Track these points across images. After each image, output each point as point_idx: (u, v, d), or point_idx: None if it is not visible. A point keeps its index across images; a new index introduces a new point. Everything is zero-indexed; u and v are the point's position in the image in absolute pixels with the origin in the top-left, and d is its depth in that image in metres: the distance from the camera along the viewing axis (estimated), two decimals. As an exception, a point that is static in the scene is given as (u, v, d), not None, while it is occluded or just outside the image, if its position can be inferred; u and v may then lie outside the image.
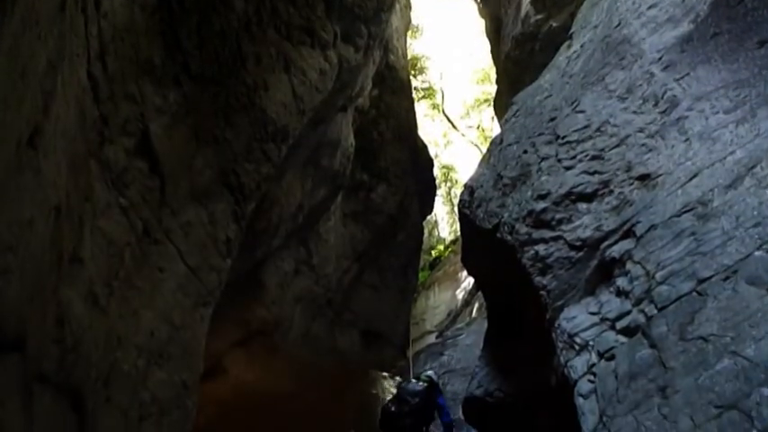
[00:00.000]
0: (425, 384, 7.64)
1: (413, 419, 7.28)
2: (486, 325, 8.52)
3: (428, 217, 21.08)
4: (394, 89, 16.53)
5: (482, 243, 6.92)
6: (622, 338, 4.45)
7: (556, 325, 5.11)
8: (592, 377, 4.48)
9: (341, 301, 15.00)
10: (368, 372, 12.90)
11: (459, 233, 13.57)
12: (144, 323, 3.55)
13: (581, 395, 4.47)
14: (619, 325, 4.55)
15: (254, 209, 6.04)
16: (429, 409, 7.48)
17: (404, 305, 17.56)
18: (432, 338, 17.98)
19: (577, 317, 4.96)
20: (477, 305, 17.74)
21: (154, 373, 3.63)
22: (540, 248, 5.46)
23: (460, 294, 20.28)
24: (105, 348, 3.05)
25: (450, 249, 24.81)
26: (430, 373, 8.31)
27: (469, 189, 7.22)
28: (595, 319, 4.80)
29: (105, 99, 3.41)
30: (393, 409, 7.44)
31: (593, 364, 4.53)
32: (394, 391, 11.55)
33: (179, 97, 4.31)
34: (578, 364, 4.67)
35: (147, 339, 3.58)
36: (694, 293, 4.10)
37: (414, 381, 7.88)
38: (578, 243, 5.22)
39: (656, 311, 4.26)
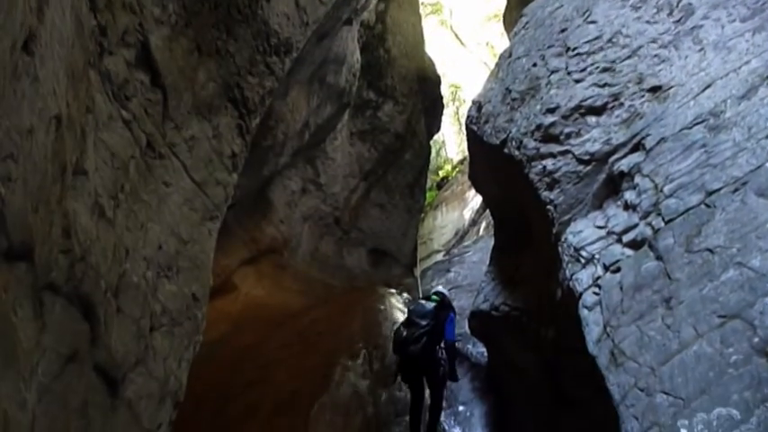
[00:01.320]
0: (435, 303, 7.59)
1: (425, 342, 7.21)
2: (492, 242, 8.58)
3: (435, 136, 20.88)
4: (400, 3, 16.06)
5: (489, 159, 6.87)
6: (628, 251, 4.47)
7: (562, 239, 5.13)
8: (597, 289, 4.53)
9: (348, 220, 15.10)
10: (375, 288, 13.12)
11: (466, 152, 13.48)
12: (151, 236, 3.56)
13: (586, 307, 4.53)
14: (625, 238, 4.57)
15: (260, 125, 5.98)
16: (441, 328, 7.41)
17: (411, 224, 17.66)
18: (439, 257, 18.15)
19: (584, 231, 4.97)
20: (484, 224, 17.80)
21: (163, 285, 3.68)
22: (548, 163, 5.42)
23: (468, 214, 20.31)
24: (114, 260, 3.07)
25: (457, 169, 24.71)
26: (440, 289, 8.27)
27: (477, 104, 7.11)
28: (602, 232, 4.81)
29: (102, 8, 3.30)
30: (405, 333, 7.39)
31: (599, 277, 4.57)
32: (401, 306, 11.78)
33: (178, 8, 4.17)
34: (584, 276, 4.71)
35: (155, 252, 3.60)
36: (702, 206, 4.09)
37: (423, 301, 7.83)
38: (586, 157, 5.17)
39: (663, 224, 4.25)
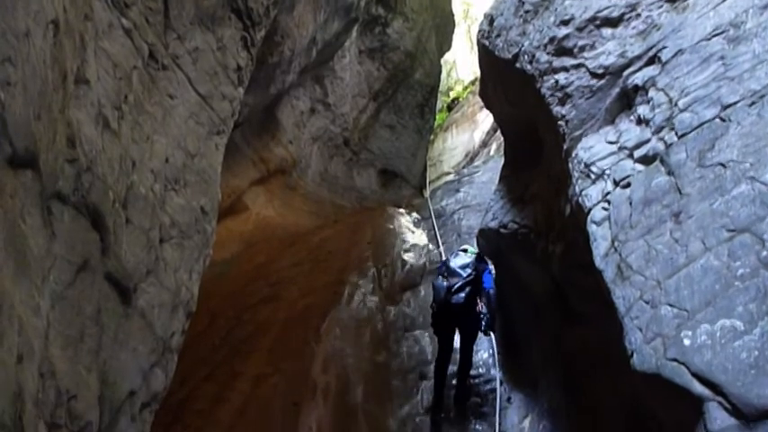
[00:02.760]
0: (474, 254, 7.50)
1: (468, 291, 7.09)
2: (502, 162, 8.53)
3: (446, 56, 20.44)
4: None
5: (501, 75, 6.73)
6: (639, 167, 4.41)
7: (573, 155, 5.06)
8: (606, 205, 4.50)
9: (358, 141, 15.03)
10: (385, 208, 13.18)
11: (478, 73, 13.23)
12: (158, 149, 3.54)
13: (594, 222, 4.52)
14: (637, 153, 4.50)
15: (266, 40, 5.86)
16: (480, 279, 7.29)
17: (421, 145, 17.57)
18: (449, 179, 18.11)
19: (595, 146, 4.90)
20: (494, 146, 17.64)
21: (171, 197, 3.68)
22: (561, 77, 5.29)
23: (478, 136, 20.10)
24: (120, 171, 3.07)
25: (468, 90, 24.28)
26: (467, 247, 7.99)
27: (489, 18, 6.90)
28: (613, 148, 4.74)
29: None
30: (446, 283, 7.22)
31: (608, 193, 4.54)
32: (410, 225, 11.85)
33: None
34: (593, 192, 4.68)
35: (162, 165, 3.59)
36: (717, 120, 3.99)
37: (461, 252, 7.64)
38: (600, 71, 5.04)
39: (675, 139, 4.18)
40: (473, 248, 7.75)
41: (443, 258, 9.51)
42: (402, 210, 13.12)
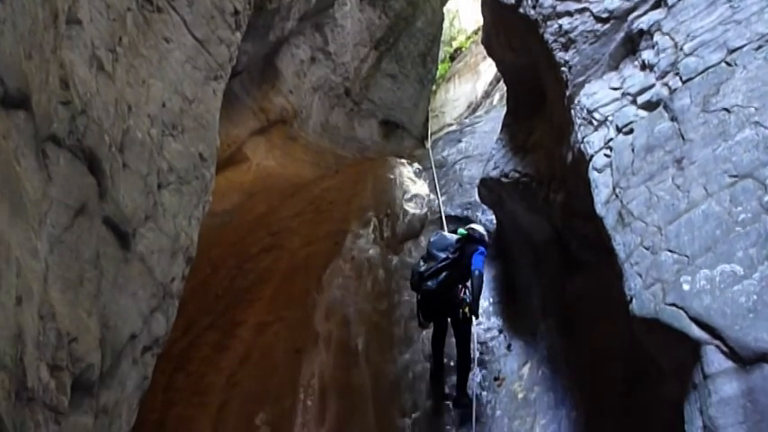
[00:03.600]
0: (460, 236, 6.89)
1: (444, 277, 6.58)
2: (504, 112, 8.43)
3: (449, 5, 20.03)
4: None
5: (504, 20, 6.60)
6: (642, 113, 4.35)
7: (575, 102, 4.99)
8: (608, 151, 4.46)
9: (359, 91, 14.86)
10: (386, 158, 13.10)
11: (481, 21, 12.91)
12: (154, 93, 3.49)
13: (596, 169, 4.48)
14: (640, 99, 4.43)
15: (264, -15, 5.71)
16: (467, 262, 6.61)
17: (423, 95, 17.37)
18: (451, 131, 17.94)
19: (598, 92, 4.82)
20: (497, 96, 17.41)
21: (169, 143, 3.65)
22: (565, 22, 5.18)
23: (481, 87, 19.81)
24: (116, 115, 3.02)
25: (471, 39, 23.86)
26: (474, 226, 7.39)
27: (492, -39, 6.73)
28: (616, 94, 4.67)
29: None
30: (423, 268, 6.76)
31: (611, 139, 4.49)
32: (411, 176, 11.81)
33: None
34: (595, 139, 4.63)
35: (159, 110, 3.54)
36: (723, 64, 3.92)
37: (446, 233, 7.25)
38: (605, 15, 4.93)
39: (680, 84, 4.11)
40: (463, 230, 7.07)
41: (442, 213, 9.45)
42: (403, 160, 13.03)
